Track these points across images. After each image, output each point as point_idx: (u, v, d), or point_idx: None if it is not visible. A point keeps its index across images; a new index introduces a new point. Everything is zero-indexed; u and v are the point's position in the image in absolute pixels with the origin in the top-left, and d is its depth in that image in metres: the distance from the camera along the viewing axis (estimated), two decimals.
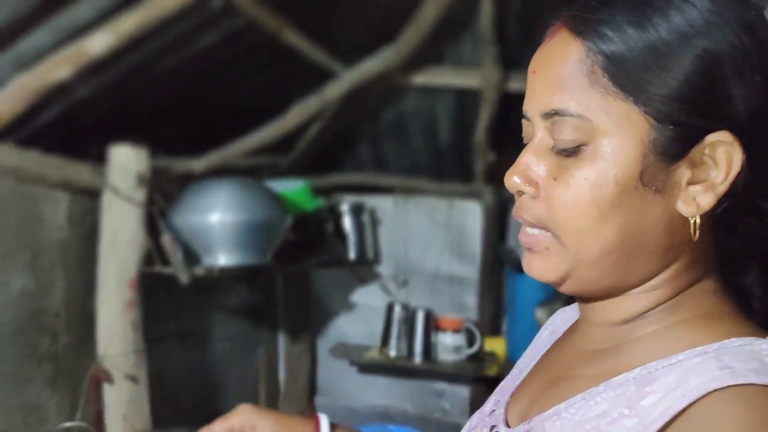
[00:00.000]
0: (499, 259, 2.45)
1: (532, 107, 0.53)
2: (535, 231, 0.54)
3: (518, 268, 2.46)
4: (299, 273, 2.64)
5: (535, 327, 2.25)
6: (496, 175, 2.40)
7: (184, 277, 1.66)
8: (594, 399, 0.50)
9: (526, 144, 0.54)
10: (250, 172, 2.24)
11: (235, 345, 2.46)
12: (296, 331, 2.70)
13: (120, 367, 1.70)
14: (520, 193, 0.53)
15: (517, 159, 0.53)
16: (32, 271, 1.57)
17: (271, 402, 2.67)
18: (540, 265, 0.53)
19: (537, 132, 0.53)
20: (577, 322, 0.63)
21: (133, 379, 1.72)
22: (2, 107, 1.44)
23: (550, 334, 0.70)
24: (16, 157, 1.52)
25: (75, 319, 1.70)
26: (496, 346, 2.42)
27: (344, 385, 2.72)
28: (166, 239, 1.68)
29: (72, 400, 1.70)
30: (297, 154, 2.41)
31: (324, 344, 2.75)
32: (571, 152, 0.50)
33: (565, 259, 0.52)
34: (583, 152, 0.49)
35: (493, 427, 0.59)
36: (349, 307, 2.74)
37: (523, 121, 0.55)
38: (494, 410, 0.62)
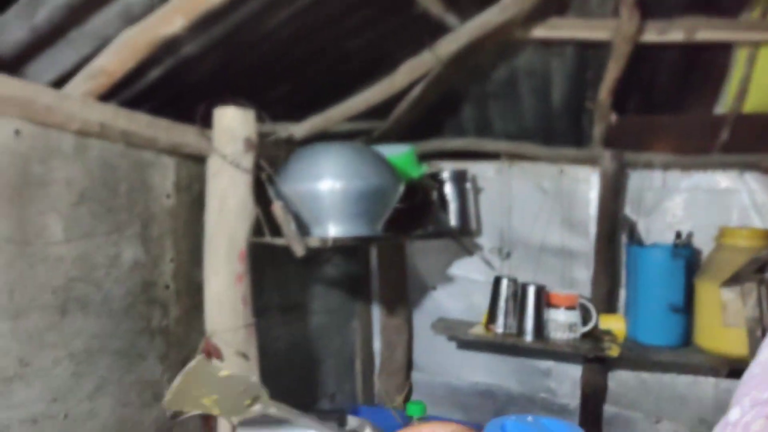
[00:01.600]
0: (617, 231, 2.25)
1: None
2: None
3: (638, 240, 2.25)
4: (394, 244, 2.51)
5: (666, 306, 2.05)
6: (616, 139, 2.18)
7: (299, 249, 1.54)
8: None
9: None
10: (348, 138, 2.10)
11: (333, 318, 2.36)
12: (392, 304, 2.58)
13: (230, 343, 1.61)
14: None
15: None
16: (143, 242, 1.48)
17: (367, 377, 2.58)
18: None
19: None
20: None
21: (244, 355, 1.63)
22: (111, 64, 1.33)
23: None
24: (125, 119, 1.42)
25: (184, 292, 1.62)
26: (613, 324, 2.23)
27: (442, 361, 2.59)
28: (278, 208, 1.56)
29: None
30: (396, 117, 2.25)
31: (420, 318, 2.62)
32: None
33: None
34: None
35: None
36: (447, 279, 2.59)
37: None
38: None
